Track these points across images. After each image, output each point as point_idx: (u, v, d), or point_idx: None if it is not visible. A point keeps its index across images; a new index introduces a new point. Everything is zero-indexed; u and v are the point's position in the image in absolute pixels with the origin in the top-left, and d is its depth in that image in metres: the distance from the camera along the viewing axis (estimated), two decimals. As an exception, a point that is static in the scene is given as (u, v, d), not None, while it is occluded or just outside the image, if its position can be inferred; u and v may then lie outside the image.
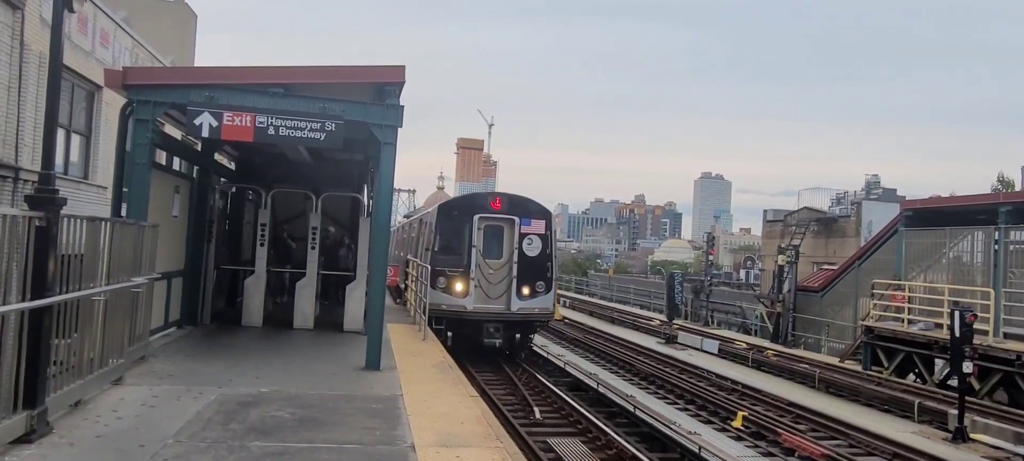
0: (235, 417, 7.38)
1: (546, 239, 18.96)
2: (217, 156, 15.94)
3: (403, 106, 10.80)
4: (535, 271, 18.69)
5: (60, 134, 16.10)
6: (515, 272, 18.39)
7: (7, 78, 14.10)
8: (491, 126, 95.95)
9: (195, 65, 30.11)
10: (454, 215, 19.11)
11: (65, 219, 6.66)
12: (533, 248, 18.70)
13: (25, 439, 6.05)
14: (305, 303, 14.42)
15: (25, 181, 14.14)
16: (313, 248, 14.67)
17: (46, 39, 14.24)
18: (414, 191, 55.51)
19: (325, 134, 10.58)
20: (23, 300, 6.02)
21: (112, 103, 17.28)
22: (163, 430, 6.76)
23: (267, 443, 6.60)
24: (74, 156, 17.45)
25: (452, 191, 48.02)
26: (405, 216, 36.27)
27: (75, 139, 17.42)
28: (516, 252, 18.49)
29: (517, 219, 18.71)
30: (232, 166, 18.12)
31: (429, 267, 17.08)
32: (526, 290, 18.50)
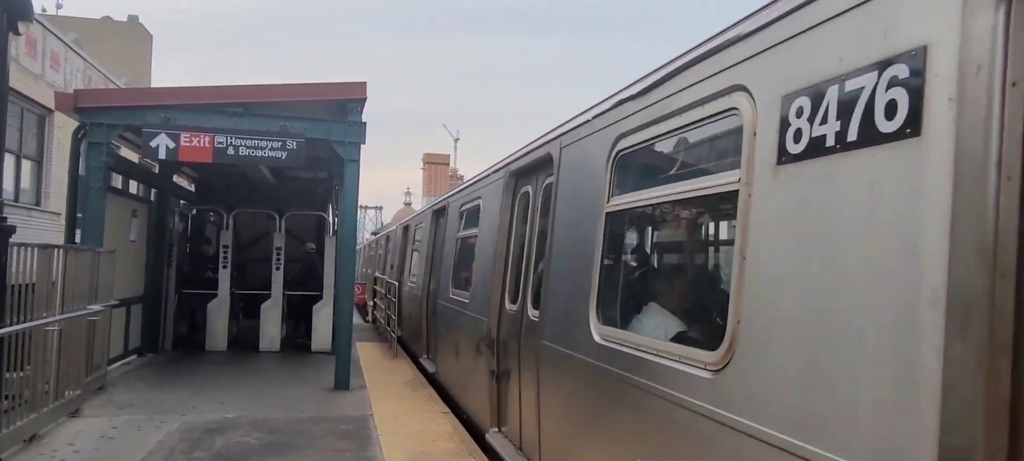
0: (199, 445, 7.17)
1: None
2: (176, 178, 15.61)
3: (366, 122, 10.71)
4: None
5: (9, 160, 15.62)
6: None
7: (-48, 104, 13.64)
8: (457, 140, 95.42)
9: (152, 86, 29.58)
10: None
11: (15, 248, 6.44)
12: None
13: (-24, 478, 5.80)
14: (271, 325, 14.15)
15: (-27, 210, 13.65)
16: (277, 269, 14.38)
17: (-7, 63, 13.88)
18: (381, 208, 54.93)
19: (286, 153, 10.45)
20: (-29, 333, 5.79)
21: (64, 127, 16.84)
22: (124, 462, 6.54)
23: (233, 470, 6.42)
24: (25, 183, 16.98)
25: (419, 207, 47.27)
26: (372, 233, 35.52)
27: (26, 165, 16.95)
28: None
29: None
30: (193, 188, 17.76)
31: None
32: None
